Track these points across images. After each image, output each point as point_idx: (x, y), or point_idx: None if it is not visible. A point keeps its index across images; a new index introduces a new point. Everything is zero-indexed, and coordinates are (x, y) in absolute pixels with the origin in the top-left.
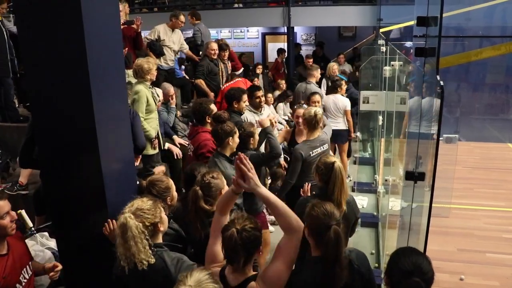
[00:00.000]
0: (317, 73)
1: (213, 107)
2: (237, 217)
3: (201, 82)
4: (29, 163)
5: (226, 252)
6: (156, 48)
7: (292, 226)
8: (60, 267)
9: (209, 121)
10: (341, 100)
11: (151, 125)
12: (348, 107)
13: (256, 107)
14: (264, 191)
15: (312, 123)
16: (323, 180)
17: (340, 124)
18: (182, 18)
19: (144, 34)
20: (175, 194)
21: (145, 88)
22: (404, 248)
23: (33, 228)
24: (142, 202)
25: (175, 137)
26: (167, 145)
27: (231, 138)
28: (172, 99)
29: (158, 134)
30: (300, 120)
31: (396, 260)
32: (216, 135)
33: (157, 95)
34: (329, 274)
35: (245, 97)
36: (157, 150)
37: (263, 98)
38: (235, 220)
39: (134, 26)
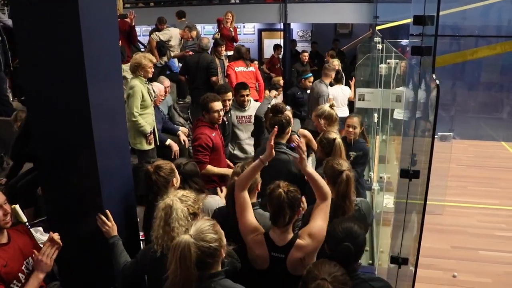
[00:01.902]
0: (333, 74)
1: (218, 104)
2: (278, 183)
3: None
4: (21, 156)
5: (274, 212)
6: (163, 50)
7: (328, 194)
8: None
9: (206, 116)
10: (347, 90)
11: (146, 121)
12: (351, 94)
13: (240, 104)
14: (310, 168)
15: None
16: (325, 153)
17: (345, 112)
18: (194, 33)
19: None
20: (178, 176)
21: (141, 83)
22: (339, 219)
23: (27, 223)
24: (187, 192)
25: (180, 132)
26: (168, 141)
27: (289, 128)
28: (166, 92)
29: (154, 129)
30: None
31: (330, 230)
32: (280, 124)
33: (153, 91)
34: (340, 206)
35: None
36: (152, 146)
37: (247, 98)
38: (279, 184)
39: (128, 20)
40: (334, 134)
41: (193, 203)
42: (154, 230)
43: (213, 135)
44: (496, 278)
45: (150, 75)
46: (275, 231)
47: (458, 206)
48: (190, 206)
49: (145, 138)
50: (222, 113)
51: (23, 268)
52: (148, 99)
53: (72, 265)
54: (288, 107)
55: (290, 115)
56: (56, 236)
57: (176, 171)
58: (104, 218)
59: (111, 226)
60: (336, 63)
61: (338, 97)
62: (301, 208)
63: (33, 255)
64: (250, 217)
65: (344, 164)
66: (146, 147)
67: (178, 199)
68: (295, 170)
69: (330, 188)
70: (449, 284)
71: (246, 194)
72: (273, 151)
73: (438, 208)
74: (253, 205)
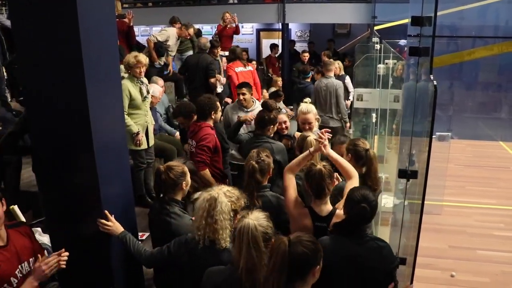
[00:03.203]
0: (334, 67)
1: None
2: (312, 163)
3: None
4: (9, 152)
5: (316, 186)
6: (162, 51)
7: (353, 172)
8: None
9: (213, 116)
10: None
11: (137, 121)
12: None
13: (240, 104)
14: (333, 153)
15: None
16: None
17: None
18: (191, 31)
19: (138, 28)
20: (189, 179)
21: (129, 82)
22: (356, 187)
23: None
24: (232, 188)
25: (177, 134)
26: (177, 133)
27: (272, 126)
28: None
29: (147, 131)
30: (283, 126)
31: (350, 195)
32: (262, 120)
33: (147, 91)
34: (365, 181)
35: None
36: (142, 147)
37: (244, 97)
38: (313, 163)
39: (126, 20)
40: (309, 132)
41: (236, 200)
42: (196, 220)
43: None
44: (494, 277)
45: (139, 75)
46: (317, 203)
47: (456, 206)
48: (233, 202)
49: (131, 138)
50: None
51: (16, 272)
52: (138, 99)
53: (71, 265)
54: (284, 111)
55: (278, 115)
56: (64, 254)
57: (188, 174)
58: (104, 221)
59: (113, 225)
60: (337, 65)
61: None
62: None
63: (32, 259)
64: (294, 194)
65: (367, 144)
66: (133, 147)
67: (223, 193)
68: (277, 158)
69: (354, 166)
70: (447, 284)
71: (293, 176)
72: (322, 147)
73: (436, 208)
74: (265, 187)
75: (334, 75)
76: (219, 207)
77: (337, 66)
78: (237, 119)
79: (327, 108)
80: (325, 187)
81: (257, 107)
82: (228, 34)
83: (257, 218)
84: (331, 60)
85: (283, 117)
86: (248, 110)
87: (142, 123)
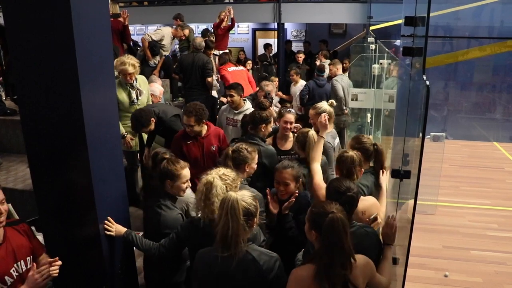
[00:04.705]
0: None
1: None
2: (345, 150)
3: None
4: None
5: (347, 170)
6: (156, 50)
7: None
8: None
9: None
10: None
11: (126, 123)
12: None
13: (230, 105)
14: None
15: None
16: (301, 147)
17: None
18: (186, 31)
19: (133, 27)
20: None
21: (118, 85)
22: (336, 178)
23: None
24: (228, 170)
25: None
26: None
27: (264, 125)
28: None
29: (140, 134)
30: (289, 126)
31: (333, 184)
32: (253, 119)
33: (139, 94)
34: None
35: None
36: (132, 149)
37: (232, 99)
38: (346, 150)
39: (121, 19)
40: (307, 128)
41: (231, 181)
42: (196, 202)
43: None
44: (487, 277)
45: (127, 80)
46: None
47: (450, 206)
48: (229, 184)
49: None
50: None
51: (11, 271)
52: (125, 103)
53: (64, 265)
54: (293, 110)
55: (272, 114)
56: (57, 263)
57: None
58: (109, 223)
59: (116, 228)
60: (338, 65)
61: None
62: None
63: (29, 257)
64: (320, 177)
65: (370, 139)
66: (125, 148)
67: (218, 177)
68: (264, 161)
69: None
70: (441, 284)
71: (318, 164)
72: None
73: (431, 208)
74: (242, 182)
75: (331, 76)
76: (214, 190)
77: (338, 66)
78: (225, 119)
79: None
80: (354, 173)
81: (247, 108)
82: (224, 29)
83: (242, 195)
84: (336, 60)
85: (291, 117)
86: (237, 112)
87: (129, 125)
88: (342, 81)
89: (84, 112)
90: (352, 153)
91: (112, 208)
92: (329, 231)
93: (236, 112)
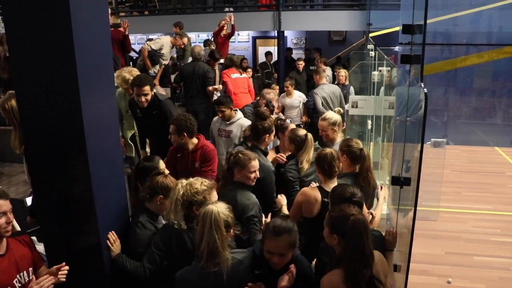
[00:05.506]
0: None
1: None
2: (321, 151)
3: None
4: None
5: (328, 167)
6: (156, 59)
7: None
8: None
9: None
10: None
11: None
12: None
13: (222, 118)
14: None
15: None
16: (297, 149)
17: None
18: (185, 40)
19: (134, 36)
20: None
21: (119, 94)
22: (340, 184)
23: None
24: (197, 182)
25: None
26: None
27: (267, 135)
28: None
29: (135, 139)
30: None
31: (337, 190)
32: (256, 130)
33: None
34: (365, 178)
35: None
36: (130, 154)
37: (222, 114)
38: (322, 150)
39: (122, 29)
40: (303, 130)
41: (194, 193)
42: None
43: None
44: (491, 283)
45: (130, 93)
46: (327, 182)
47: (453, 212)
48: (192, 195)
49: None
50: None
51: (14, 282)
52: (121, 110)
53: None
54: (288, 121)
55: (270, 123)
56: (64, 268)
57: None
58: (113, 236)
59: (115, 248)
60: (344, 73)
61: None
62: None
63: (31, 268)
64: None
65: (360, 143)
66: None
67: (185, 186)
68: (262, 174)
69: (350, 166)
70: None
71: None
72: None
73: (433, 214)
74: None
75: (339, 84)
76: (178, 197)
77: (343, 74)
78: (217, 130)
79: None
80: (336, 166)
81: (238, 117)
82: (224, 37)
83: (220, 207)
84: (321, 68)
85: (292, 126)
86: (228, 122)
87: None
88: (323, 91)
89: (85, 121)
90: (329, 150)
91: (112, 215)
92: (353, 233)
93: (227, 123)
